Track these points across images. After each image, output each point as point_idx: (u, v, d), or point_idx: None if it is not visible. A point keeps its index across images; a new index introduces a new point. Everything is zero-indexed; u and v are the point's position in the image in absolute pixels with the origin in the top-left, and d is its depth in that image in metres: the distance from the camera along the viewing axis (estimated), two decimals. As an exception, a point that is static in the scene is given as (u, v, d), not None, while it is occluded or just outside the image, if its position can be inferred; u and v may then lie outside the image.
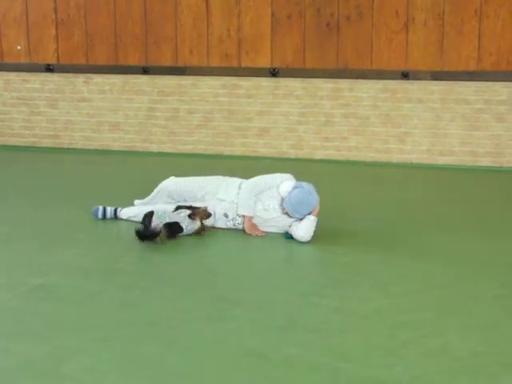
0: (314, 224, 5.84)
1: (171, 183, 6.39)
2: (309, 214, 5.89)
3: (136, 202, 6.56)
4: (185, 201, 6.23)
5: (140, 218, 5.88)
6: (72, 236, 5.94)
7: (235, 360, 3.77)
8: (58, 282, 4.86)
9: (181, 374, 3.61)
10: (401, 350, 3.89)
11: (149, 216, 5.69)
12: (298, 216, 5.91)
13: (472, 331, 4.14)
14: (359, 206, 7.01)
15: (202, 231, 5.93)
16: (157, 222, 5.67)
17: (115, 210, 6.39)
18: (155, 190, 6.41)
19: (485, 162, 8.65)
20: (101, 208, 6.39)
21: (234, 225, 6.11)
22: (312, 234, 5.81)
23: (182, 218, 5.85)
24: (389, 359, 3.79)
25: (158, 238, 5.66)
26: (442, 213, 6.80)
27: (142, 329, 4.13)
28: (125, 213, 6.36)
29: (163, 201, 6.34)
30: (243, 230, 6.02)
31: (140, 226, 5.67)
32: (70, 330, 4.10)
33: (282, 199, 5.98)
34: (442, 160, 8.77)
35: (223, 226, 6.13)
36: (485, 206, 7.06)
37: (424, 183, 8.11)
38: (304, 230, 5.79)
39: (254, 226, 6.01)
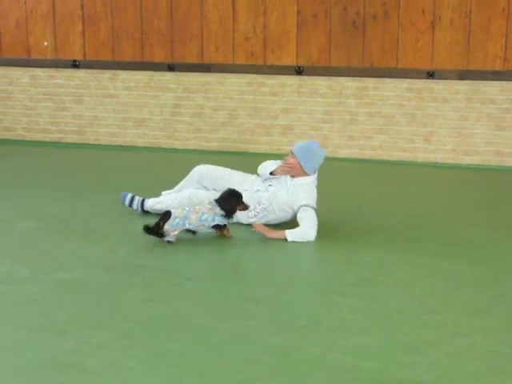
0: (304, 239, 5.74)
1: (203, 168, 6.40)
2: (313, 171, 6.05)
3: (163, 192, 6.56)
4: (213, 189, 6.22)
5: (163, 206, 5.98)
6: (97, 231, 5.97)
7: (257, 358, 3.77)
8: (82, 277, 4.90)
9: (203, 370, 3.63)
10: (424, 350, 3.88)
11: (165, 218, 5.55)
12: (303, 164, 5.99)
13: (497, 332, 4.12)
14: (383, 204, 6.99)
15: (226, 232, 5.83)
16: (168, 229, 5.53)
17: (142, 201, 6.38)
18: (186, 178, 6.41)
19: (510, 162, 8.60)
20: (129, 195, 6.40)
21: (256, 215, 6.09)
22: (299, 240, 5.73)
23: (211, 220, 5.65)
24: (412, 359, 3.78)
25: (167, 241, 5.60)
26: (467, 213, 6.77)
27: (166, 325, 4.15)
28: (151, 201, 6.36)
29: (193, 186, 6.33)
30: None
31: (152, 223, 5.60)
32: (94, 326, 4.13)
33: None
34: (467, 160, 8.72)
35: (244, 219, 6.11)
36: (510, 206, 7.02)
37: (449, 183, 8.08)
38: (298, 234, 5.75)
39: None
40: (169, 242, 5.60)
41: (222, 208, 5.65)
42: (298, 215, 5.89)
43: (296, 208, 5.95)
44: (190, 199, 6.13)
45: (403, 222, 6.38)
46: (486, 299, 4.65)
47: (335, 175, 8.29)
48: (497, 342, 4.00)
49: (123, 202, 6.42)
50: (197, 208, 5.64)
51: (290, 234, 5.75)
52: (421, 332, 4.12)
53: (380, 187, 7.75)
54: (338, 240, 5.82)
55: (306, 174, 6.09)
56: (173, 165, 8.64)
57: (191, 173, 6.44)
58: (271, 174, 6.17)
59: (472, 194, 7.56)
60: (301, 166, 6.05)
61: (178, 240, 5.61)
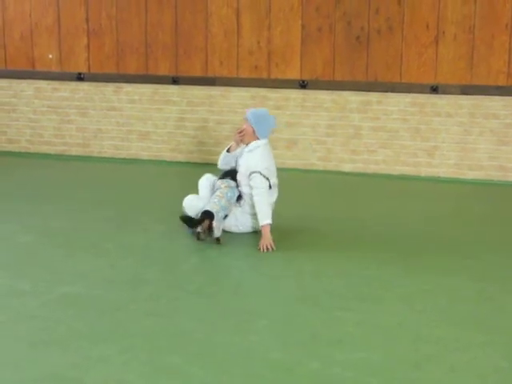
0: (263, 204, 6.09)
1: (209, 176, 6.46)
2: (265, 135, 6.30)
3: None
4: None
5: (192, 211, 6.16)
6: (99, 245, 5.98)
7: (259, 373, 3.78)
8: (83, 292, 4.90)
9: (204, 385, 3.64)
10: (425, 365, 3.89)
11: (210, 218, 5.89)
12: (257, 128, 6.24)
13: (497, 347, 4.13)
14: (385, 218, 6.99)
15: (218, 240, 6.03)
16: (218, 225, 5.93)
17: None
18: (201, 189, 6.43)
19: (514, 177, 8.61)
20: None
21: (241, 206, 6.31)
22: (268, 208, 6.09)
23: (232, 195, 6.18)
24: (413, 374, 3.79)
25: (200, 234, 5.95)
26: (469, 227, 6.76)
27: (167, 340, 4.16)
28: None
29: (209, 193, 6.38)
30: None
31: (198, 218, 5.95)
32: (95, 340, 4.13)
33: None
34: (471, 174, 8.72)
35: (234, 227, 6.34)
36: (513, 222, 7.02)
37: (452, 197, 8.07)
38: (260, 212, 6.06)
39: (270, 239, 6.00)
40: (217, 239, 5.94)
41: (233, 179, 6.28)
42: (250, 182, 6.18)
43: (248, 173, 6.20)
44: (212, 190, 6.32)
45: (404, 237, 6.38)
46: (486, 314, 4.65)
47: (339, 189, 8.30)
48: (497, 356, 4.00)
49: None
50: (219, 193, 6.11)
51: (262, 220, 6.03)
52: (421, 347, 4.12)
53: (383, 201, 7.75)
54: (338, 254, 5.83)
55: (257, 137, 6.30)
56: (177, 178, 8.66)
57: (200, 183, 6.46)
58: (228, 151, 6.43)
59: (475, 208, 7.56)
60: (254, 131, 6.27)
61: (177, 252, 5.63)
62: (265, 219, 6.03)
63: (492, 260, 5.77)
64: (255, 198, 6.12)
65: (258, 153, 6.24)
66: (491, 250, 6.02)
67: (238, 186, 6.29)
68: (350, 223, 6.80)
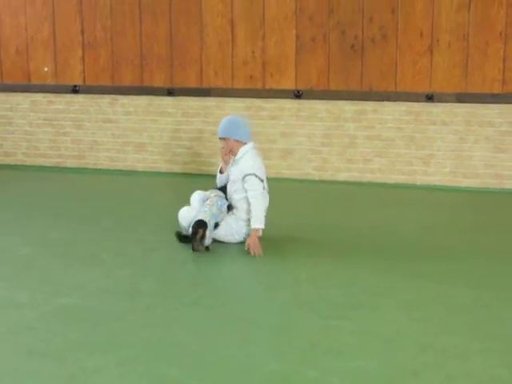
0: (258, 207, 6.14)
1: (200, 192, 6.46)
2: (248, 136, 6.36)
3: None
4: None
5: (186, 222, 6.21)
6: (96, 256, 5.97)
7: (256, 383, 3.76)
8: (81, 303, 4.89)
9: (202, 395, 3.62)
10: (423, 374, 3.88)
11: (203, 227, 5.94)
12: (237, 137, 6.27)
13: (496, 355, 4.12)
14: (381, 227, 6.99)
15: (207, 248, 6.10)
16: (210, 234, 6.00)
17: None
18: (192, 202, 6.42)
19: (509, 184, 8.61)
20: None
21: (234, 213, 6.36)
22: (261, 212, 6.16)
23: (222, 203, 6.27)
24: (411, 382, 3.78)
25: (196, 245, 5.98)
26: (465, 235, 6.77)
27: (164, 351, 4.14)
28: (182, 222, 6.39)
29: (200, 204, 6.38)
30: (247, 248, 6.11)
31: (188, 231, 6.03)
32: (92, 351, 4.12)
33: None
34: (466, 182, 8.73)
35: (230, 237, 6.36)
36: (509, 230, 7.01)
37: (448, 205, 8.08)
38: (254, 215, 6.11)
39: (258, 244, 6.06)
40: (207, 248, 6.02)
41: (223, 191, 6.37)
42: (245, 185, 6.21)
43: (241, 177, 6.23)
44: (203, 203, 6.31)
45: (401, 245, 6.38)
46: (483, 321, 4.64)
47: (334, 198, 8.31)
48: (496, 364, 3.99)
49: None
50: (209, 202, 6.18)
51: (255, 223, 6.09)
52: (419, 355, 4.11)
53: (379, 210, 7.75)
54: (335, 263, 5.82)
55: (242, 143, 6.32)
56: (173, 189, 8.65)
57: (192, 199, 6.44)
58: (221, 172, 6.48)
59: (471, 216, 7.56)
60: (236, 141, 6.30)
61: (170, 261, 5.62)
62: (257, 223, 6.09)
63: (488, 267, 5.76)
64: (251, 201, 6.16)
65: (248, 156, 6.28)
66: (487, 258, 6.02)
67: (226, 197, 6.36)
68: (346, 232, 6.80)
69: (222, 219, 6.25)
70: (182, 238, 6.19)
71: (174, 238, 6.24)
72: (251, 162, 6.25)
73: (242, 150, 6.31)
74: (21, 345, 4.23)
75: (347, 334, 4.40)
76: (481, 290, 5.21)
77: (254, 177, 6.18)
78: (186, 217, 6.23)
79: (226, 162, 6.41)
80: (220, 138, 6.41)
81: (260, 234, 6.10)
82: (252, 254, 5.97)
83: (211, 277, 5.57)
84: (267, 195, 6.37)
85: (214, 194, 6.30)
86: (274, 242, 6.37)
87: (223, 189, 6.43)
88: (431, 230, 6.93)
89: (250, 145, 6.36)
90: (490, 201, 8.23)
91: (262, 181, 6.24)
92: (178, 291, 5.19)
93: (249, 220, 6.21)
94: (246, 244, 6.04)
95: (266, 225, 6.25)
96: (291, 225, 6.98)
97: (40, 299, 4.95)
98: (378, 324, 4.58)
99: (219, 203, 6.21)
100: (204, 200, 6.28)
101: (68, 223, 6.99)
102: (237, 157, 6.32)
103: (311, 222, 7.12)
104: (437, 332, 4.45)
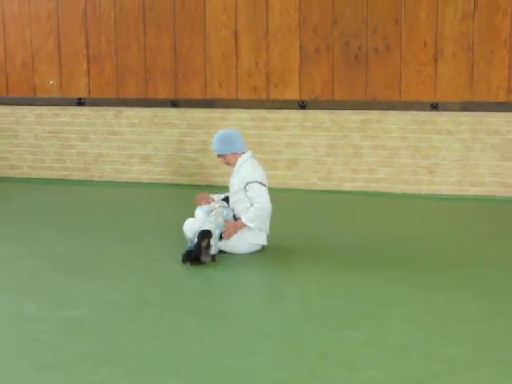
0: (260, 213, 6.18)
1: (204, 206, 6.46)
2: (243, 147, 6.41)
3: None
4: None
5: (191, 233, 6.17)
6: (101, 267, 5.96)
7: (264, 393, 3.75)
8: (87, 315, 4.88)
9: (209, 407, 3.61)
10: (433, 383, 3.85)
11: (207, 237, 5.93)
12: (231, 150, 6.34)
13: (505, 365, 4.08)
14: (388, 237, 6.97)
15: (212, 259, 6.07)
16: (215, 243, 6.00)
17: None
18: (197, 214, 6.42)
19: (516, 192, 8.60)
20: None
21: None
22: (257, 218, 6.18)
23: (227, 213, 6.28)
24: (419, 393, 3.76)
25: (207, 259, 5.97)
26: (473, 245, 6.74)
27: (170, 362, 4.13)
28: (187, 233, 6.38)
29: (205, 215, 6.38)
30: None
31: (193, 247, 5.96)
32: (98, 363, 4.11)
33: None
34: (473, 191, 8.71)
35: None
36: (516, 238, 7.00)
37: (454, 215, 8.05)
38: (250, 214, 6.17)
39: (234, 232, 6.21)
40: (213, 257, 6.00)
41: (227, 201, 6.41)
42: (247, 194, 6.23)
43: (243, 186, 6.25)
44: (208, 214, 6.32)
45: (408, 254, 6.36)
46: (492, 331, 4.61)
47: (340, 209, 8.29)
48: (506, 375, 3.96)
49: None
50: (214, 213, 6.15)
51: (248, 220, 6.18)
52: (429, 365, 4.08)
53: (385, 220, 7.73)
54: (342, 272, 5.80)
55: (239, 154, 6.38)
56: (178, 200, 8.65)
57: (197, 210, 6.45)
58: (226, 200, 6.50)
59: (478, 225, 7.54)
60: (233, 154, 6.37)
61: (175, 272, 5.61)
62: (248, 221, 6.18)
63: (495, 276, 5.74)
64: (257, 206, 6.18)
65: (247, 165, 6.32)
66: (494, 267, 5.99)
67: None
68: (352, 242, 6.78)
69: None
70: (188, 255, 6.01)
71: (179, 250, 6.22)
72: (250, 169, 6.29)
73: (240, 160, 6.36)
74: (28, 357, 4.22)
75: (355, 345, 4.38)
76: (488, 300, 5.19)
77: (256, 183, 6.22)
78: (192, 228, 6.22)
79: (228, 163, 6.52)
80: (217, 156, 6.53)
81: (241, 229, 6.21)
82: (224, 236, 6.15)
83: (217, 287, 5.56)
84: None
85: (218, 204, 6.30)
86: (280, 251, 6.36)
87: (227, 199, 6.43)
88: (438, 239, 6.91)
89: (247, 154, 6.41)
90: (497, 209, 8.21)
91: (264, 186, 6.26)
92: (183, 302, 5.18)
93: (257, 229, 6.21)
94: (225, 225, 6.15)
95: (270, 234, 6.32)
96: (297, 235, 6.96)
97: (46, 311, 4.94)
98: (386, 334, 4.55)
99: (224, 213, 6.21)
100: (209, 211, 6.28)
101: (74, 235, 6.99)
102: (235, 168, 6.36)
103: (317, 232, 7.11)
104: (444, 342, 4.42)
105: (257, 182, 6.22)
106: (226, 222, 6.20)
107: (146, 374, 3.96)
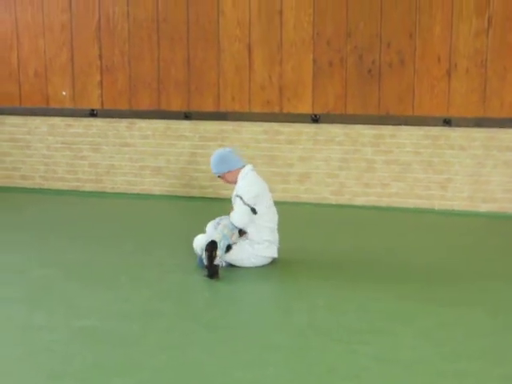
0: (231, 220, 6.26)
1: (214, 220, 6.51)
2: (239, 163, 6.48)
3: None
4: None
5: (200, 250, 6.19)
6: (113, 278, 5.97)
7: (275, 406, 3.74)
8: (98, 325, 4.89)
9: (220, 419, 3.60)
10: (443, 399, 3.84)
11: (213, 247, 5.94)
12: (228, 168, 6.43)
13: (516, 381, 4.07)
14: (400, 252, 6.96)
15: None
16: (220, 254, 5.99)
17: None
18: (207, 229, 6.47)
19: (528, 209, 8.57)
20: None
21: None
22: (243, 219, 6.26)
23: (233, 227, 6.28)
24: (431, 408, 3.74)
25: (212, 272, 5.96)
26: (485, 260, 6.72)
27: (181, 373, 4.13)
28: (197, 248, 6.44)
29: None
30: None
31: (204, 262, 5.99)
32: (110, 374, 4.11)
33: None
34: (484, 207, 8.69)
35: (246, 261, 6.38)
36: (528, 254, 6.97)
37: (466, 231, 8.03)
38: (237, 214, 6.27)
39: None
40: (217, 268, 5.94)
41: None
42: (234, 204, 6.37)
43: (236, 194, 6.38)
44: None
45: (419, 270, 6.34)
46: (504, 347, 4.59)
47: (352, 223, 8.27)
48: (517, 390, 3.95)
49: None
50: (222, 225, 6.22)
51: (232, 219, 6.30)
52: (439, 381, 4.07)
53: (397, 234, 7.71)
54: (353, 287, 5.79)
55: (238, 171, 6.45)
56: (189, 213, 8.66)
57: (207, 227, 6.51)
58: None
59: (490, 241, 7.51)
60: (231, 172, 6.45)
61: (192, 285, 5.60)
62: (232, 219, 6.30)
63: (508, 292, 5.72)
64: (232, 215, 6.31)
65: (247, 179, 6.41)
66: (506, 282, 5.97)
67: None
68: (363, 256, 6.77)
69: (235, 242, 6.26)
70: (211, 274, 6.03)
71: (191, 262, 6.24)
72: (246, 186, 6.36)
73: (240, 175, 6.44)
74: (39, 367, 4.23)
75: (364, 359, 4.37)
76: (499, 315, 5.17)
77: (240, 200, 6.28)
78: (201, 244, 6.24)
79: (230, 183, 6.64)
80: (217, 177, 6.64)
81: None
82: (224, 228, 6.17)
83: (228, 299, 5.56)
84: (274, 212, 6.48)
85: (225, 217, 6.36)
86: (290, 265, 6.36)
87: None
88: (450, 254, 6.89)
89: (247, 168, 6.50)
90: (509, 225, 8.18)
91: (247, 205, 6.28)
92: (194, 313, 5.18)
93: (263, 242, 6.25)
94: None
95: (281, 248, 6.35)
96: (308, 249, 6.96)
97: (58, 321, 4.95)
98: (396, 349, 4.54)
99: (231, 226, 6.24)
100: (217, 224, 6.31)
101: (86, 246, 7.00)
102: (237, 185, 6.45)
103: (328, 246, 7.10)
104: (455, 357, 4.41)
105: (242, 198, 6.27)
106: (234, 235, 6.24)
107: (156, 386, 3.96)
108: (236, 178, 6.44)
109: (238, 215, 6.26)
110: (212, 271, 5.92)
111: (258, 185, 6.42)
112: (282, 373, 4.15)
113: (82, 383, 3.98)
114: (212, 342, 4.63)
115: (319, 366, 4.27)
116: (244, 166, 6.49)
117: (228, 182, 6.55)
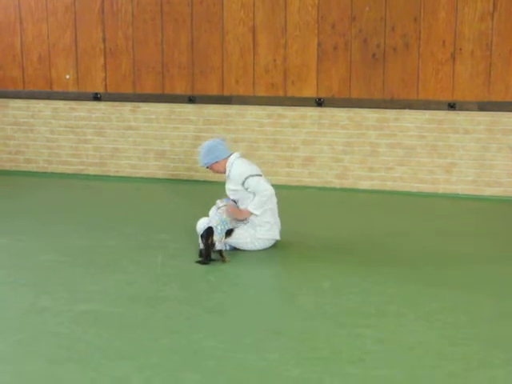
0: (264, 199, 6.25)
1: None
2: (226, 153, 6.46)
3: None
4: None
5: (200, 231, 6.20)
6: (118, 263, 5.98)
7: (279, 390, 3.75)
8: (102, 309, 4.89)
9: (224, 402, 3.61)
10: (447, 383, 3.84)
11: (209, 233, 5.94)
12: (215, 159, 6.43)
13: (520, 365, 4.08)
14: (403, 236, 6.95)
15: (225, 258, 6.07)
16: (217, 239, 5.97)
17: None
18: (210, 213, 6.47)
19: (532, 193, 8.56)
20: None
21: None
22: (262, 206, 6.27)
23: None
24: (434, 392, 3.75)
25: (221, 258, 5.99)
26: (489, 244, 6.72)
27: (186, 357, 4.14)
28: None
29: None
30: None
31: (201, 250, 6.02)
32: (114, 357, 4.12)
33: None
34: (489, 191, 8.67)
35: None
36: (532, 238, 6.97)
37: (470, 214, 8.02)
38: (255, 201, 6.27)
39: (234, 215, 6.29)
40: (220, 252, 5.97)
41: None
42: (249, 190, 6.31)
43: (240, 187, 6.33)
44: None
45: (423, 254, 6.34)
46: (507, 331, 4.60)
47: (356, 207, 8.27)
48: (520, 374, 3.95)
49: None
50: (220, 210, 6.22)
51: (253, 208, 6.27)
52: (443, 364, 4.07)
53: (401, 218, 7.71)
54: (357, 271, 5.79)
55: (225, 160, 6.44)
56: (193, 196, 8.65)
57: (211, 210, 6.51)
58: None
59: (494, 225, 7.51)
60: (218, 163, 6.45)
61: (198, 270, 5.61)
62: (254, 208, 6.26)
63: (512, 276, 5.73)
64: (262, 194, 6.26)
65: (235, 166, 6.40)
66: (511, 267, 5.96)
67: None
68: (368, 240, 6.77)
69: (236, 226, 6.29)
70: (204, 258, 6.05)
71: (195, 246, 6.24)
72: (238, 169, 6.37)
73: (228, 164, 6.43)
74: (43, 350, 4.24)
75: (369, 343, 4.38)
76: (504, 299, 5.17)
77: (250, 178, 6.30)
78: (202, 228, 6.25)
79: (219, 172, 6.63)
80: (207, 169, 6.64)
81: (245, 216, 6.32)
82: (223, 213, 6.18)
83: (232, 283, 5.56)
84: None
85: (223, 203, 6.35)
86: (294, 249, 6.36)
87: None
88: (453, 238, 6.89)
89: (233, 156, 6.48)
90: (513, 210, 8.18)
91: (259, 175, 6.34)
92: (198, 297, 5.18)
93: (263, 224, 6.27)
94: (229, 205, 6.27)
95: (285, 232, 6.36)
96: (312, 232, 6.96)
97: (62, 305, 4.96)
98: (400, 333, 4.55)
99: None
100: (217, 208, 6.33)
101: (89, 230, 7.00)
102: (226, 173, 6.45)
103: (332, 230, 7.10)
104: (460, 341, 4.41)
105: (250, 175, 6.30)
106: (233, 219, 6.27)
107: (162, 369, 3.97)
108: (224, 168, 6.44)
109: (266, 189, 6.28)
110: (206, 259, 5.93)
111: (251, 165, 6.46)
112: (286, 357, 4.16)
113: (86, 366, 4.00)
114: (217, 326, 4.64)
115: (323, 349, 4.28)
116: (230, 155, 6.48)
117: (217, 172, 6.55)
